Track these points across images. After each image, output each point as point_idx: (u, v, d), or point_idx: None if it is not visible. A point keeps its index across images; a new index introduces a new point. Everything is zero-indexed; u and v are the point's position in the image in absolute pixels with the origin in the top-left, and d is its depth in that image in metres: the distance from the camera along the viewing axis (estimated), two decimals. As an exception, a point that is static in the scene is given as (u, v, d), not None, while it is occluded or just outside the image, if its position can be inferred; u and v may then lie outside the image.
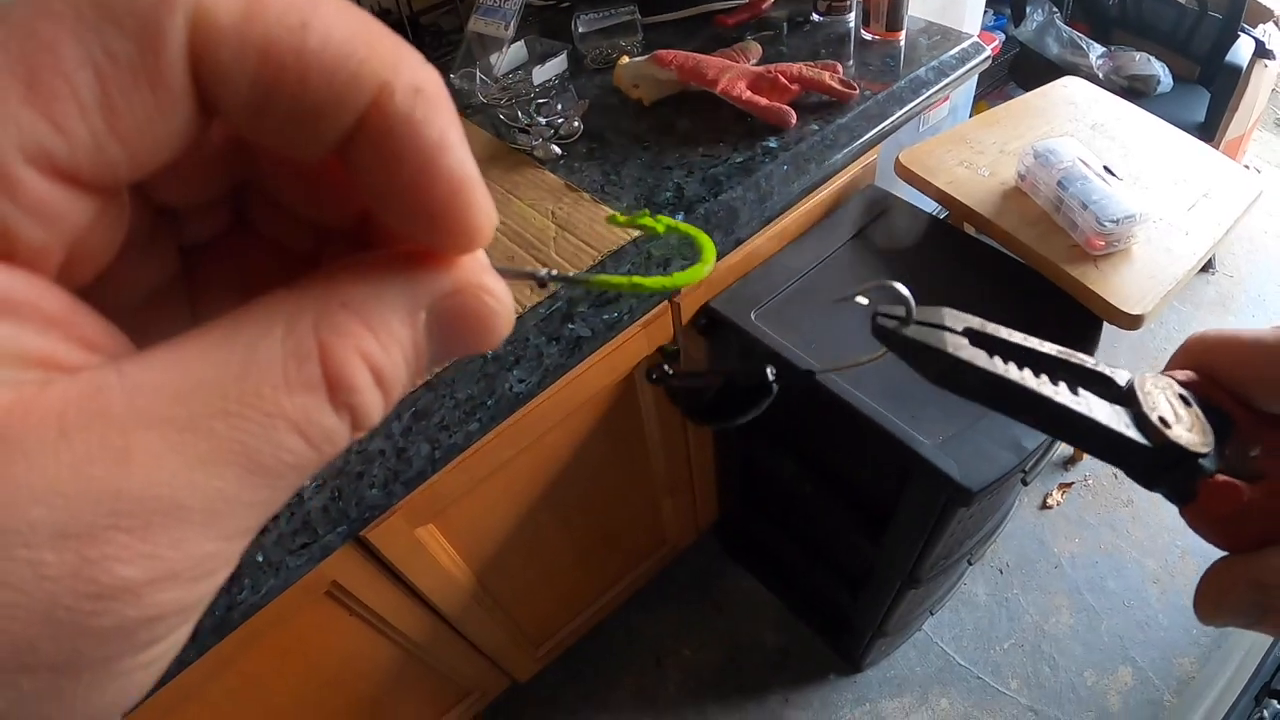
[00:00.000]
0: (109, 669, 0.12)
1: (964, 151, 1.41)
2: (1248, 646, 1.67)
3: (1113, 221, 1.28)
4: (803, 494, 1.36)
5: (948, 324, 0.28)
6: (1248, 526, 0.25)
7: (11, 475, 0.11)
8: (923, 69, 1.15)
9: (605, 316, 0.84)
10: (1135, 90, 2.02)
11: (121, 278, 0.15)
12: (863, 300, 0.32)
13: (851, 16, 1.26)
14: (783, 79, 1.02)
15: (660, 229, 0.30)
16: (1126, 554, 1.75)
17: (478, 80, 1.15)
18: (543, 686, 1.56)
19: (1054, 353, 0.28)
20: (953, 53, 1.20)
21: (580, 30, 1.19)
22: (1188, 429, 0.26)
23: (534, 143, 1.02)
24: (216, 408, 0.12)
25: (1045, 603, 1.68)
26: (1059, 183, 1.33)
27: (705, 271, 0.26)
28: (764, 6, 1.27)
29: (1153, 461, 0.26)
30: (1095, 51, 2.05)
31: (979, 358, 0.27)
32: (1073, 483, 1.84)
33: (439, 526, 1.03)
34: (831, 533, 1.42)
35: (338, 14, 0.13)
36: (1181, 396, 0.27)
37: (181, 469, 0.12)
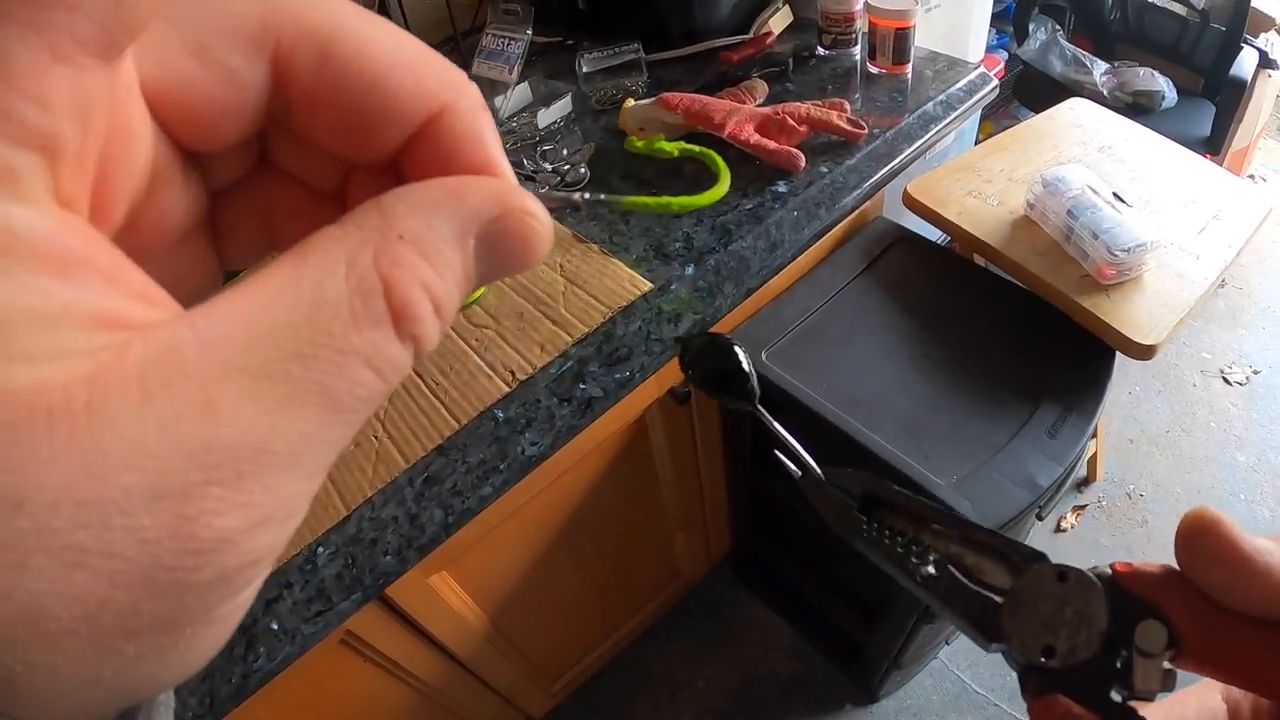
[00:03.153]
0: (207, 619, 0.13)
1: (972, 180, 1.40)
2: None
3: (1124, 250, 1.27)
4: (815, 528, 1.35)
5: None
6: None
7: (102, 444, 0.11)
8: (930, 103, 1.14)
9: (617, 375, 0.83)
10: (1140, 106, 2.01)
11: (151, 224, 0.16)
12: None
13: (857, 50, 1.25)
14: (790, 120, 1.01)
15: (675, 152, 0.32)
16: (1141, 574, 1.74)
17: (482, 124, 1.14)
18: (557, 722, 1.55)
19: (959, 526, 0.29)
20: (960, 85, 1.19)
21: (585, 70, 1.19)
22: (1041, 633, 0.25)
23: (540, 191, 1.01)
24: (291, 351, 0.13)
25: (1061, 627, 1.66)
26: (1069, 211, 1.32)
27: (723, 190, 0.30)
28: (768, 42, 1.26)
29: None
30: (1099, 69, 2.04)
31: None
32: (1086, 505, 1.83)
33: (452, 573, 1.02)
34: (845, 565, 1.41)
35: None
36: (1085, 608, 0.25)
37: (264, 415, 0.12)
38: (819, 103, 1.06)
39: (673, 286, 0.88)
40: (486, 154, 0.17)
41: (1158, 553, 1.76)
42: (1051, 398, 1.27)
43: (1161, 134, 1.66)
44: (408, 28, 1.34)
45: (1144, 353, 1.27)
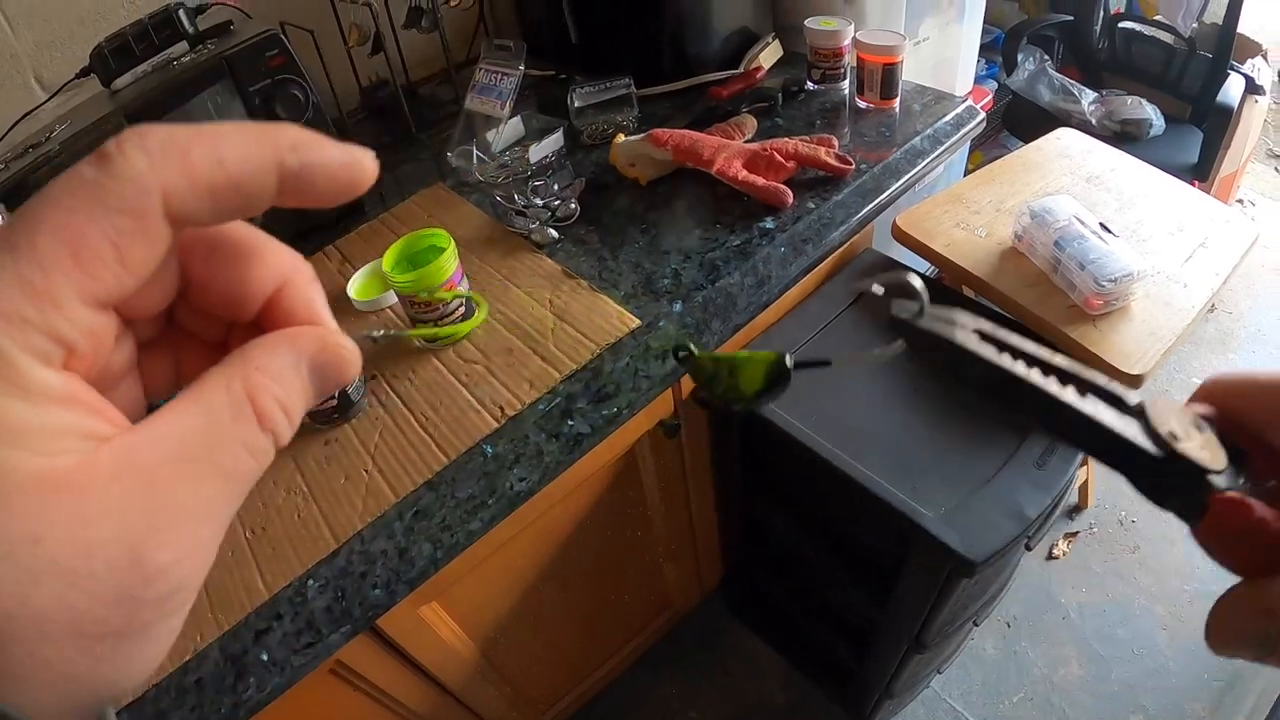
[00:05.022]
0: (148, 632, 0.19)
1: (960, 212, 1.42)
2: (1260, 690, 1.66)
3: (1110, 281, 1.28)
4: (805, 558, 1.36)
5: (959, 321, 0.29)
6: (1261, 550, 0.24)
7: (89, 505, 0.18)
8: (918, 138, 1.15)
9: (605, 411, 0.84)
10: (1128, 135, 2.03)
11: (109, 370, 0.23)
12: (878, 290, 0.32)
13: (846, 84, 1.27)
14: (779, 156, 1.02)
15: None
16: (1135, 601, 1.74)
17: (475, 158, 1.15)
18: (548, 751, 1.54)
19: (1064, 365, 0.28)
20: (947, 119, 1.21)
21: (576, 105, 1.20)
22: (1199, 447, 0.25)
23: (531, 226, 1.02)
24: (201, 443, 0.20)
25: (1054, 654, 1.66)
26: (1056, 243, 1.33)
27: (480, 319, 0.33)
28: (758, 77, 1.28)
29: (1161, 473, 0.25)
30: (1087, 97, 2.06)
31: (987, 351, 0.28)
32: (1078, 532, 1.83)
33: (442, 604, 1.02)
34: (835, 595, 1.41)
35: (235, 138, 0.21)
36: (1195, 423, 0.26)
37: (187, 486, 0.19)
38: (807, 138, 1.08)
39: (660, 323, 0.89)
40: (313, 310, 0.25)
41: (1150, 579, 1.77)
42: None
43: (1150, 162, 1.68)
44: (403, 61, 1.36)
45: (1132, 382, 1.28)
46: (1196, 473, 0.24)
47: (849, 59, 1.25)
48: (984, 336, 0.28)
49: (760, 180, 1.00)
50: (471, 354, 0.91)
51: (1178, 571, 1.78)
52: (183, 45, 1.19)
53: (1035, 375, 0.27)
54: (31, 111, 1.22)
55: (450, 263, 0.87)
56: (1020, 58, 2.08)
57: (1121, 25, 2.15)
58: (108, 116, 1.08)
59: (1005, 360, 0.27)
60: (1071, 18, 2.11)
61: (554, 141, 1.16)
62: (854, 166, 1.05)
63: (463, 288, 0.90)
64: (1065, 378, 0.28)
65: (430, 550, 0.82)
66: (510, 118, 1.16)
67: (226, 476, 0.21)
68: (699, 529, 1.37)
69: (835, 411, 1.25)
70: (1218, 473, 0.24)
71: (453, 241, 0.88)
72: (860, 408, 1.31)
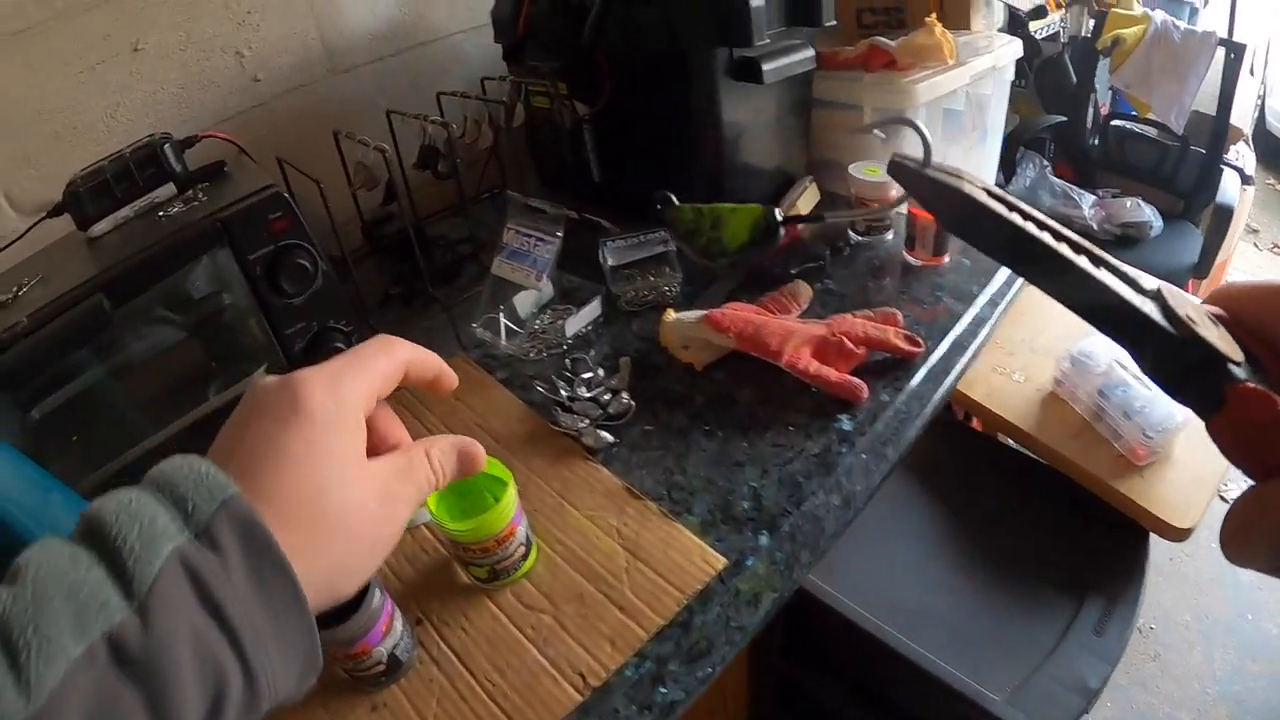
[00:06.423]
0: (379, 556, 0.37)
1: (995, 354, 1.37)
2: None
3: (1158, 431, 1.25)
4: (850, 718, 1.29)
5: (966, 177, 0.29)
6: (1276, 448, 0.23)
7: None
8: (976, 305, 1.09)
9: (699, 674, 0.74)
10: (1129, 238, 2.03)
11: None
12: (880, 135, 0.32)
13: (890, 234, 1.21)
14: (848, 343, 0.95)
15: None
16: (1159, 710, 1.73)
17: (503, 327, 1.06)
18: None
19: (1075, 237, 0.27)
20: (999, 280, 1.14)
21: (610, 263, 1.11)
22: (1218, 337, 0.24)
23: (580, 425, 0.92)
24: (407, 468, 0.39)
25: (1085, 780, 1.62)
26: (1099, 390, 1.29)
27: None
28: (799, 233, 1.20)
29: (1179, 356, 0.24)
30: (1087, 201, 2.06)
31: (998, 207, 0.27)
32: (1101, 650, 1.81)
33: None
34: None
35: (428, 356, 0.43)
36: (1210, 317, 0.25)
37: (402, 489, 0.39)
38: (871, 314, 1.01)
39: (749, 561, 0.80)
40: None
41: (1173, 685, 1.75)
42: (1094, 590, 1.25)
43: (1153, 264, 1.67)
44: (411, 202, 1.25)
45: (1179, 535, 1.25)
46: (1216, 359, 0.24)
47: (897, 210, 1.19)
48: (991, 196, 0.28)
49: (834, 375, 0.92)
50: (533, 598, 0.80)
51: (1199, 675, 1.78)
52: (169, 188, 1.06)
53: (1049, 238, 0.26)
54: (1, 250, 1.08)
55: (511, 505, 0.77)
56: (1019, 166, 2.06)
57: (1114, 124, 2.16)
58: (82, 286, 0.93)
59: (1016, 218, 0.27)
60: (1065, 119, 2.10)
61: (591, 311, 1.07)
62: (923, 348, 0.99)
63: (522, 528, 0.79)
64: (1078, 249, 0.27)
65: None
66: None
67: (417, 489, 0.38)
68: (728, 686, 1.28)
69: (885, 584, 1.19)
70: (1237, 364, 0.24)
71: (512, 477, 0.78)
72: (910, 576, 1.25)
